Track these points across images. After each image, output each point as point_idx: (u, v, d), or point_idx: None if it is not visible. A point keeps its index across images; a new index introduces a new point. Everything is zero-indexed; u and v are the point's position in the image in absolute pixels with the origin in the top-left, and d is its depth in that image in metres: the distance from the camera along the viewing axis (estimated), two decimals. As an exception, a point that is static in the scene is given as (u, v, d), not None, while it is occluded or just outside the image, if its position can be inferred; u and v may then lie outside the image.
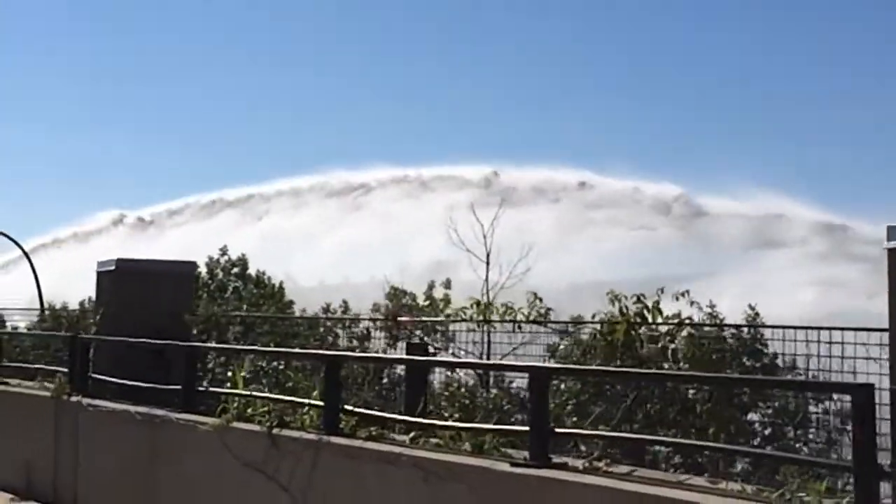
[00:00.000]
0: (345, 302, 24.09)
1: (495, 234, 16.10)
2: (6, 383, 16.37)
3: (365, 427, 10.29)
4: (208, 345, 14.19)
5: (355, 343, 16.13)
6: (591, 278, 43.95)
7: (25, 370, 16.91)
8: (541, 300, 12.32)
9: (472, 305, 12.90)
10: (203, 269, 29.96)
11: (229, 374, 14.41)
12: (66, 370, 14.72)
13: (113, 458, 13.11)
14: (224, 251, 30.98)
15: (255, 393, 11.60)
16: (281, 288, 31.19)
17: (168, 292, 14.91)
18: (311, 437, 10.28)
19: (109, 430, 13.25)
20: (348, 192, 65.54)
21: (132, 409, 12.96)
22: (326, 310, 22.28)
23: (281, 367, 13.96)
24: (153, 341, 13.43)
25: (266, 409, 11.44)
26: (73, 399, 14.16)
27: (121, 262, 14.68)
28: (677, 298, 10.48)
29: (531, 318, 12.27)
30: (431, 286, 16.94)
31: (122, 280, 14.68)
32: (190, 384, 12.46)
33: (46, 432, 14.47)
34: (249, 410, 11.59)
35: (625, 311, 10.38)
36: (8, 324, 26.92)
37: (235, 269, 31.40)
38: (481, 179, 63.26)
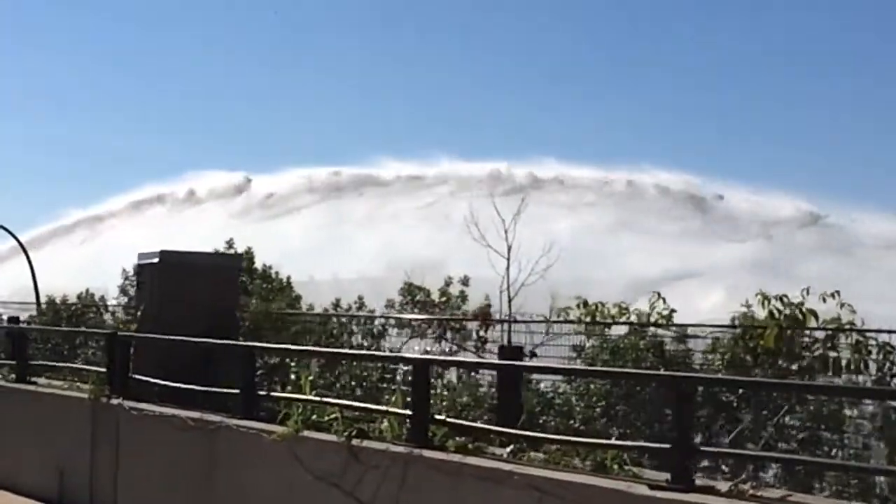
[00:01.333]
0: (360, 298, 23.26)
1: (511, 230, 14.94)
2: (34, 382, 15.32)
3: (455, 438, 9.31)
4: (274, 345, 13.09)
5: (403, 342, 15.22)
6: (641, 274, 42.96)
7: (57, 369, 15.87)
8: (664, 299, 11.25)
9: (578, 305, 11.84)
10: None
11: (283, 377, 13.50)
12: (103, 370, 13.69)
13: (160, 467, 12.10)
14: (230, 244, 30.04)
15: (329, 399, 10.61)
16: (289, 283, 30.33)
17: (214, 287, 13.89)
18: (399, 449, 9.28)
19: (155, 436, 12.22)
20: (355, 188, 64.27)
21: (182, 413, 11.95)
22: (337, 305, 21.30)
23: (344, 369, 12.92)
24: (205, 340, 12.39)
25: (335, 416, 10.48)
26: (113, 401, 13.13)
27: (165, 254, 13.64)
28: (824, 300, 9.43)
29: (652, 319, 11.27)
30: (448, 282, 16.17)
31: (165, 273, 13.64)
32: (250, 388, 11.46)
33: (82, 437, 13.45)
34: (314, 417, 10.64)
35: (775, 314, 9.32)
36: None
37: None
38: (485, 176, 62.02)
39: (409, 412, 9.52)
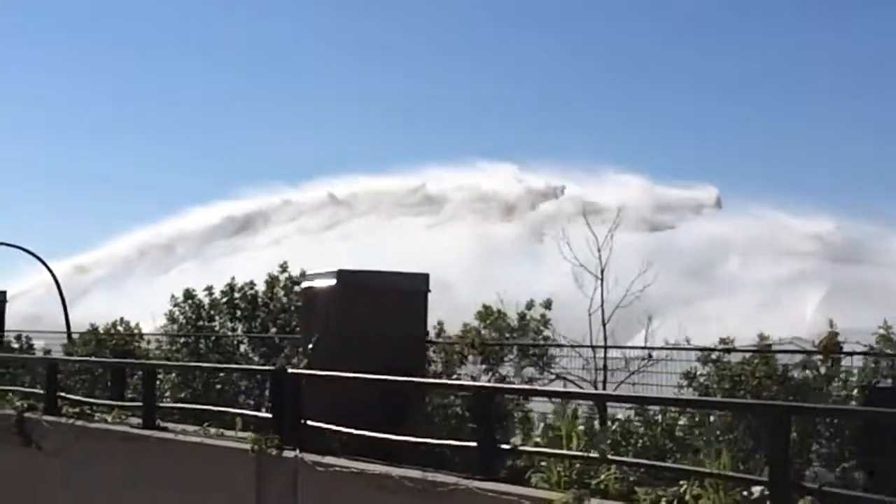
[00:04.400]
0: (440, 323, 21.18)
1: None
2: (164, 428, 12.90)
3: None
4: (515, 386, 10.64)
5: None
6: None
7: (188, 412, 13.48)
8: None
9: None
10: (262, 287, 26.86)
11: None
12: (260, 414, 11.33)
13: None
14: (284, 268, 27.74)
15: (618, 458, 8.15)
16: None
17: (399, 313, 11.51)
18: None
19: (354, 500, 9.78)
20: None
21: (394, 472, 9.53)
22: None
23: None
24: (410, 378, 10.05)
25: (613, 474, 8.11)
26: (287, 454, 10.72)
27: (343, 275, 11.25)
28: None
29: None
30: (530, 305, 14.04)
31: (345, 297, 11.26)
32: (489, 439, 9.01)
33: (243, 499, 11.02)
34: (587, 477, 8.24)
35: None
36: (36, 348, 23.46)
37: (297, 288, 28.08)
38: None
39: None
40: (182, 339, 22.13)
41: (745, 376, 12.04)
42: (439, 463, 9.85)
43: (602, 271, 14.05)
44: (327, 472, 10.17)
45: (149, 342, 21.40)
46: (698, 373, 12.50)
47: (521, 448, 8.94)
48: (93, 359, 18.21)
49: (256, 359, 21.61)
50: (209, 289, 26.86)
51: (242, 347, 22.62)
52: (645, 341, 14.04)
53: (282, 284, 27.84)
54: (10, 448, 14.86)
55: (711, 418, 11.32)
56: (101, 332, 24.83)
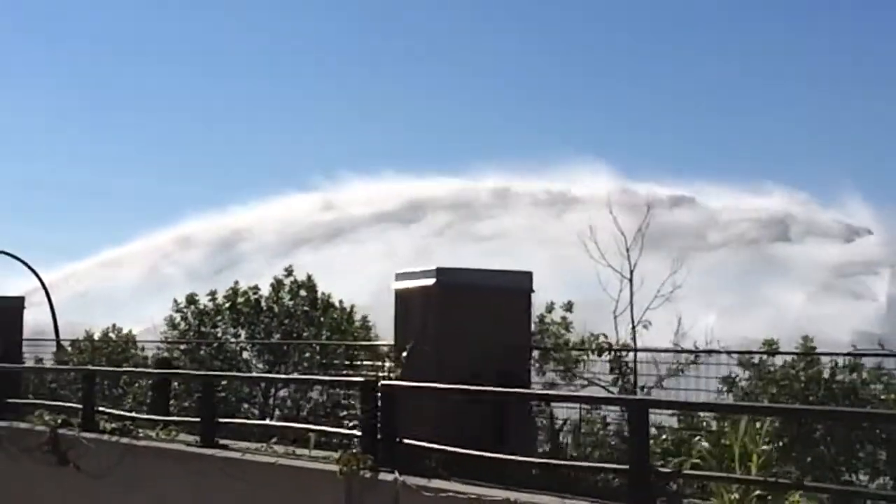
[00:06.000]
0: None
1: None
2: (224, 446, 11.58)
3: None
4: (676, 400, 9.31)
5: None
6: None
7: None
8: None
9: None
10: (267, 291, 25.65)
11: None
12: (357, 433, 10.02)
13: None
14: (290, 271, 26.55)
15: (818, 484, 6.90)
16: (351, 312, 26.83)
17: (501, 317, 10.23)
18: None
19: (474, 531, 8.50)
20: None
21: (523, 498, 8.24)
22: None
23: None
24: (542, 392, 8.81)
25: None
26: (384, 477, 9.42)
27: (443, 273, 9.95)
28: None
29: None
30: (550, 308, 12.64)
31: (445, 300, 9.97)
32: (642, 461, 7.73)
33: (331, 527, 9.73)
34: None
35: None
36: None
37: (303, 292, 26.89)
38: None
39: None
40: (183, 346, 20.97)
41: (790, 380, 11.11)
42: (564, 487, 8.62)
43: (631, 272, 12.86)
44: (436, 498, 8.87)
45: (142, 349, 20.12)
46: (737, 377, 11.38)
47: (689, 472, 7.62)
48: (134, 369, 16.81)
49: (260, 366, 20.50)
50: (212, 293, 25.67)
51: (245, 354, 21.50)
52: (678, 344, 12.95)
53: (287, 289, 26.72)
54: (43, 468, 13.52)
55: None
56: (97, 339, 23.60)
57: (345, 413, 12.70)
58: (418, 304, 10.16)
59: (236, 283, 26.02)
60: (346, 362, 14.76)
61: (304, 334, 24.68)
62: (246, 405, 17.73)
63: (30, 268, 36.78)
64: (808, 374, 11.06)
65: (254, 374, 14.78)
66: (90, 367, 15.58)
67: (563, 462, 8.80)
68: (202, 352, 20.30)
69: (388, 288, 10.86)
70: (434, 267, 10.04)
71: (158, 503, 11.73)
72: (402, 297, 10.37)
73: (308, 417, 14.42)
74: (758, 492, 7.24)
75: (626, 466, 7.82)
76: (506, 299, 10.33)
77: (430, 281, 10.00)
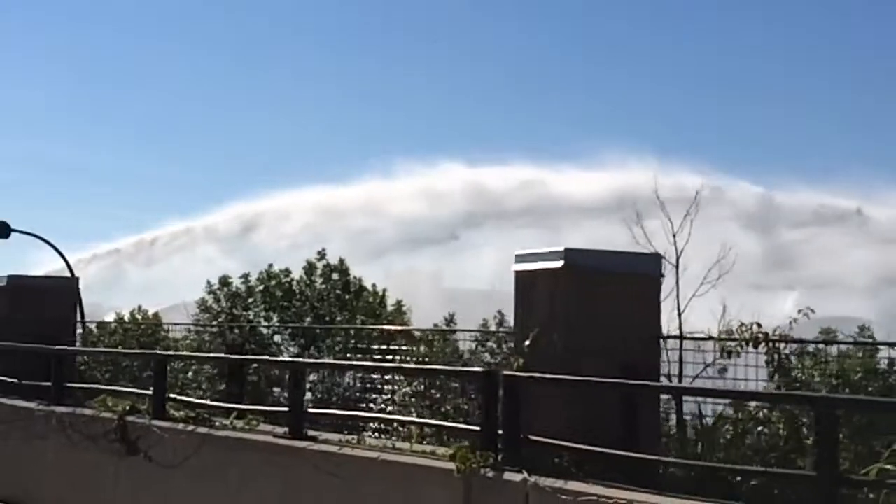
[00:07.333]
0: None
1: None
2: (312, 438, 10.68)
3: None
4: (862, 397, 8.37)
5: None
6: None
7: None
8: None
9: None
10: (299, 274, 25.05)
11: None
12: (474, 428, 9.14)
13: None
14: (322, 255, 25.83)
15: None
16: (384, 297, 26.19)
17: (635, 301, 9.33)
18: None
19: (623, 540, 7.60)
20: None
21: (672, 502, 7.34)
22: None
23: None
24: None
25: None
26: (510, 477, 8.52)
27: (571, 254, 9.02)
28: None
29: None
30: None
31: (575, 284, 9.04)
32: (832, 467, 6.79)
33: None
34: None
35: None
36: None
37: (335, 276, 26.20)
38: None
39: None
40: (215, 328, 20.25)
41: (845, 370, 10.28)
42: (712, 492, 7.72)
43: (678, 259, 12.05)
44: (576, 502, 7.97)
45: (168, 331, 19.38)
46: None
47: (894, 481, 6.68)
48: (210, 355, 15.95)
49: (292, 349, 19.79)
50: (245, 276, 24.95)
51: (276, 337, 20.78)
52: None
53: (319, 272, 25.93)
54: (109, 458, 12.68)
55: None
56: (127, 321, 22.97)
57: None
58: (543, 288, 9.24)
59: (270, 266, 25.37)
60: (383, 346, 14.09)
61: (337, 318, 24.07)
62: (277, 389, 16.86)
63: (56, 249, 36.19)
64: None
65: (343, 363, 13.84)
66: (161, 352, 14.70)
67: (730, 466, 7.84)
68: (234, 333, 19.59)
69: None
70: (562, 248, 9.11)
71: (239, 497, 10.86)
72: (523, 280, 9.44)
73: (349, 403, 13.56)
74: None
75: (813, 473, 6.89)
76: (638, 284, 9.41)
77: (558, 263, 9.08)
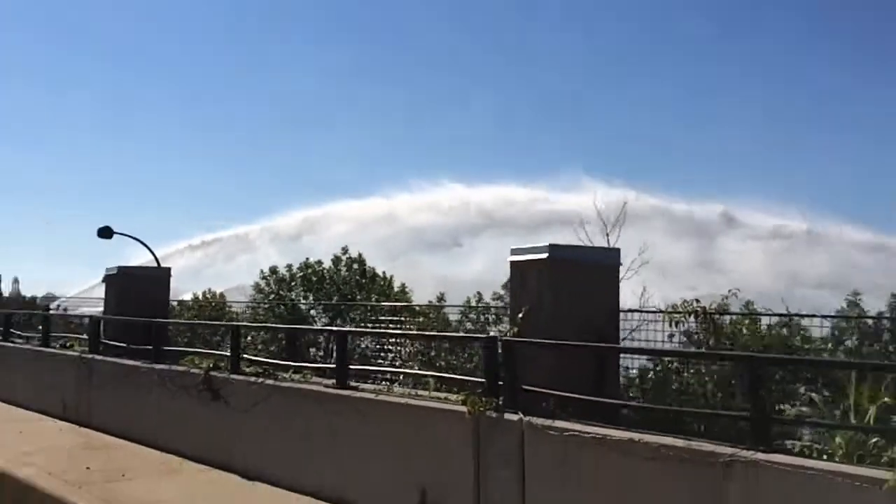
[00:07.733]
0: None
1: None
2: (353, 387, 10.46)
3: None
4: (788, 357, 8.20)
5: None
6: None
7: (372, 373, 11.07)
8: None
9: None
10: (328, 265, 24.77)
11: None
12: (480, 380, 8.90)
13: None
14: (345, 250, 25.56)
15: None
16: (391, 281, 25.83)
17: (596, 289, 9.13)
18: None
19: (594, 467, 7.40)
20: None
21: (646, 438, 7.13)
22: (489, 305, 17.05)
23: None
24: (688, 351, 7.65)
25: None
26: (509, 417, 8.31)
27: (555, 250, 8.85)
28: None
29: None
30: None
31: (556, 271, 8.87)
32: (761, 408, 6.61)
33: (458, 458, 8.63)
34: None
35: None
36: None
37: (355, 266, 25.94)
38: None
39: None
40: (266, 305, 20.25)
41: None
42: (672, 431, 7.51)
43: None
44: (561, 437, 7.77)
45: (230, 307, 19.26)
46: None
47: (810, 420, 6.51)
48: (274, 325, 15.66)
49: (324, 320, 19.80)
50: (289, 266, 24.83)
51: (312, 312, 20.77)
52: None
53: (343, 263, 25.89)
54: (198, 403, 12.42)
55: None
56: (200, 300, 22.73)
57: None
58: (533, 274, 9.03)
59: (307, 259, 25.27)
60: (392, 317, 13.98)
61: (357, 297, 23.95)
62: (313, 349, 16.67)
63: (146, 246, 35.83)
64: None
65: (377, 331, 13.60)
66: (237, 322, 14.41)
67: (688, 409, 7.64)
68: (280, 308, 19.63)
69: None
70: (546, 244, 8.92)
71: (298, 434, 10.63)
72: (517, 269, 9.24)
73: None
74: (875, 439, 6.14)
75: (747, 413, 6.70)
76: (602, 271, 9.22)
77: (544, 255, 8.88)
